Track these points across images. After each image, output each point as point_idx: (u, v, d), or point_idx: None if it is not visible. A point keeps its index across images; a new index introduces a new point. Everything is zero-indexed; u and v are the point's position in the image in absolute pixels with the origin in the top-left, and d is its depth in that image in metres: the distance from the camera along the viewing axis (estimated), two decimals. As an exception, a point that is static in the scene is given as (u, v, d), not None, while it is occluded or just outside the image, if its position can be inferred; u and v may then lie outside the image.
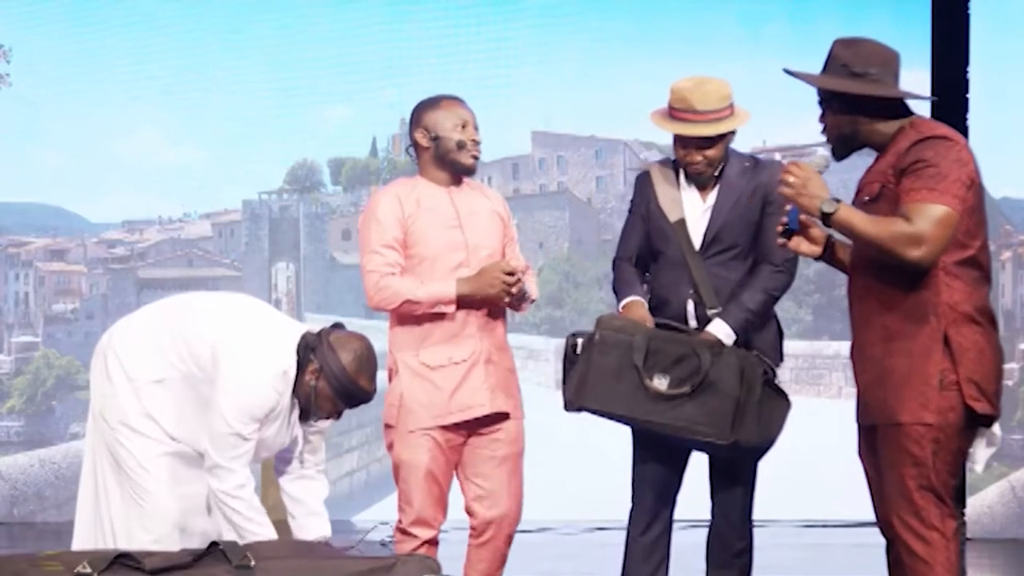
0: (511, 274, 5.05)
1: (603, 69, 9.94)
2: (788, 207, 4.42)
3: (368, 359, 4.76)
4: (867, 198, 4.41)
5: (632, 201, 5.39)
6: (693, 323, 5.19)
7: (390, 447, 5.20)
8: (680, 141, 5.17)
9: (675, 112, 5.16)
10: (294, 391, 4.76)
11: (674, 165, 5.32)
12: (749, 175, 5.24)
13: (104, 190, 10.59)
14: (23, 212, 10.85)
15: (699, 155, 5.17)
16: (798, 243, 4.52)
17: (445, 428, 5.11)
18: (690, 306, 5.20)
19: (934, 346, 4.31)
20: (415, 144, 5.25)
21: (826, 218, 4.31)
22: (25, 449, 10.24)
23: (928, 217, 4.23)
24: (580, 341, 5.12)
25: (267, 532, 4.71)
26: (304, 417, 4.83)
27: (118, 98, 10.27)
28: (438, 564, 4.69)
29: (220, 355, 4.74)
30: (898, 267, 4.29)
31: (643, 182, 5.36)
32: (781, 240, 4.47)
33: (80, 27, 10.33)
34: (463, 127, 5.17)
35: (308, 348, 4.74)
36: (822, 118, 4.48)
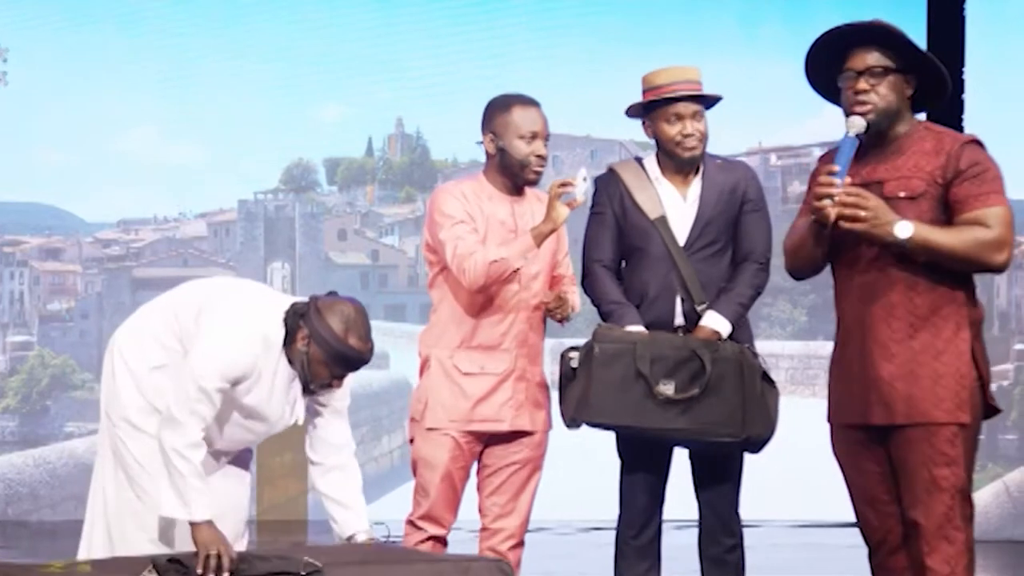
0: (564, 185, 4.97)
1: (599, 69, 9.95)
2: (827, 170, 4.39)
3: (357, 320, 4.66)
4: (903, 195, 4.41)
5: (596, 201, 5.31)
6: (680, 320, 5.19)
7: (411, 440, 5.22)
8: (675, 114, 5.17)
9: (665, 88, 5.18)
10: (290, 362, 4.72)
11: (639, 162, 5.32)
12: (726, 171, 5.28)
13: (99, 189, 10.58)
14: (18, 211, 10.84)
15: (694, 127, 5.16)
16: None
17: (464, 432, 5.13)
18: (678, 303, 5.19)
19: (964, 351, 4.39)
20: (484, 145, 5.19)
21: (900, 242, 4.32)
22: (20, 448, 10.22)
23: (1003, 220, 4.35)
24: (576, 356, 5.10)
25: (204, 501, 4.55)
26: (305, 389, 4.77)
27: (114, 97, 10.26)
28: (511, 568, 4.67)
29: (203, 317, 4.70)
30: (955, 271, 4.37)
31: (609, 181, 5.31)
32: (828, 213, 4.40)
33: (76, 27, 10.32)
34: (531, 138, 5.09)
35: (297, 315, 4.67)
36: (876, 86, 4.44)
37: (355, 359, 4.67)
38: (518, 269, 5.02)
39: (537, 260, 5.14)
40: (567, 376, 5.10)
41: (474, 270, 4.98)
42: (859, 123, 4.42)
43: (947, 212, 4.38)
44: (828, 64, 4.53)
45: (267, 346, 4.67)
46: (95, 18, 10.33)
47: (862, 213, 4.32)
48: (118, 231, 10.97)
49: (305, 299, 4.77)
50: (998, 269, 4.38)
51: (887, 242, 4.33)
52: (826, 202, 4.38)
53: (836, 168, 4.39)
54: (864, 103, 4.43)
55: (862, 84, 4.43)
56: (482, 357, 5.12)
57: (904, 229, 4.30)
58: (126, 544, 4.72)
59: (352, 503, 4.87)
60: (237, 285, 4.96)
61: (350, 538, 4.82)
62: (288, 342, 4.69)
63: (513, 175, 5.14)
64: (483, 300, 5.11)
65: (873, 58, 4.44)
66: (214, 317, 4.68)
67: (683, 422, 5.00)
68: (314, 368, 4.68)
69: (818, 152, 10.22)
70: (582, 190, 4.97)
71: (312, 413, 4.89)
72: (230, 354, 4.60)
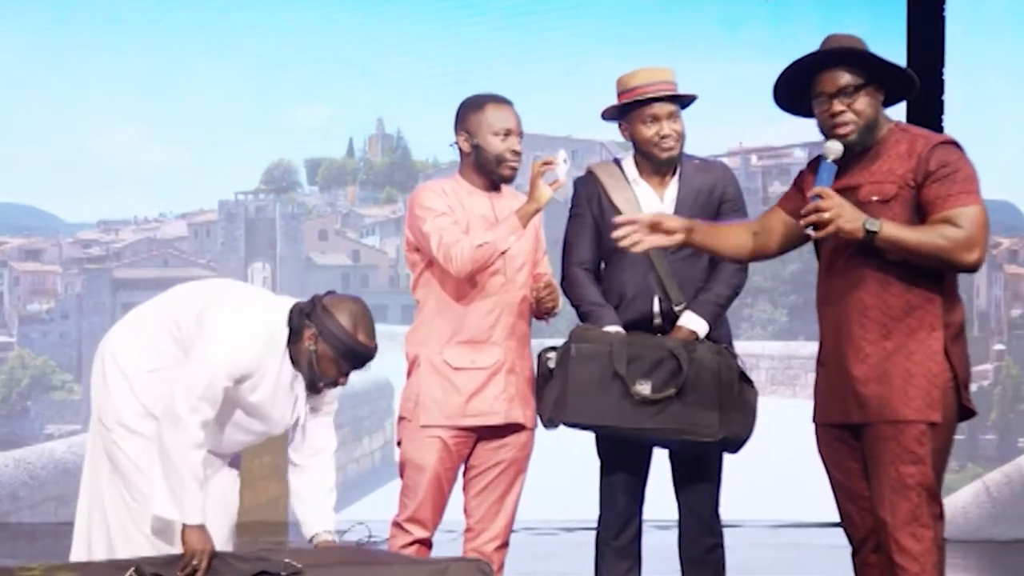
0: (546, 164, 4.95)
1: (580, 69, 9.95)
2: (809, 195, 4.42)
3: (364, 315, 4.69)
4: (876, 198, 4.43)
5: (575, 203, 5.33)
6: (658, 320, 5.19)
7: (399, 442, 5.21)
8: (651, 116, 5.17)
9: (640, 89, 5.18)
10: (295, 362, 4.71)
11: (617, 163, 5.33)
12: (704, 171, 5.29)
13: (79, 190, 10.56)
14: (-2, 212, 10.82)
15: (670, 128, 5.17)
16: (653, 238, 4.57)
17: (456, 429, 5.12)
18: (656, 303, 5.20)
19: (937, 351, 4.40)
20: (458, 144, 5.20)
21: (871, 236, 4.33)
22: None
23: (975, 221, 4.34)
24: (554, 356, 5.10)
25: (198, 505, 4.54)
26: (311, 388, 4.76)
27: (94, 98, 10.24)
28: (491, 567, 4.68)
29: (206, 316, 4.68)
30: (930, 272, 4.38)
31: (587, 182, 5.32)
32: (814, 233, 4.43)
33: (55, 26, 10.29)
34: (505, 135, 5.11)
35: (302, 314, 4.67)
36: (851, 104, 4.46)
37: (364, 355, 4.70)
38: (504, 252, 5.02)
39: (520, 253, 5.15)
40: (544, 376, 5.11)
41: (461, 256, 4.98)
42: (836, 148, 4.46)
43: (920, 214, 4.41)
44: (797, 89, 4.55)
45: (272, 343, 4.67)
46: (75, 17, 10.31)
47: (825, 215, 4.34)
48: (98, 231, 10.95)
49: (306, 299, 4.77)
50: (969, 268, 4.39)
51: (859, 238, 4.35)
52: (810, 231, 4.43)
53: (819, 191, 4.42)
54: (844, 123, 4.46)
55: (837, 106, 4.46)
56: (472, 352, 5.12)
57: (874, 223, 4.34)
58: (126, 546, 4.71)
59: (319, 502, 4.84)
60: (234, 286, 4.95)
61: (312, 539, 4.81)
62: (293, 341, 4.69)
63: (489, 172, 5.16)
64: (470, 294, 5.11)
65: (842, 78, 4.46)
66: (217, 316, 4.67)
67: (660, 422, 5.01)
68: (323, 365, 4.68)
69: (799, 152, 10.25)
70: (563, 171, 4.97)
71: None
72: (236, 350, 4.60)
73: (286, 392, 4.74)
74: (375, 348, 4.71)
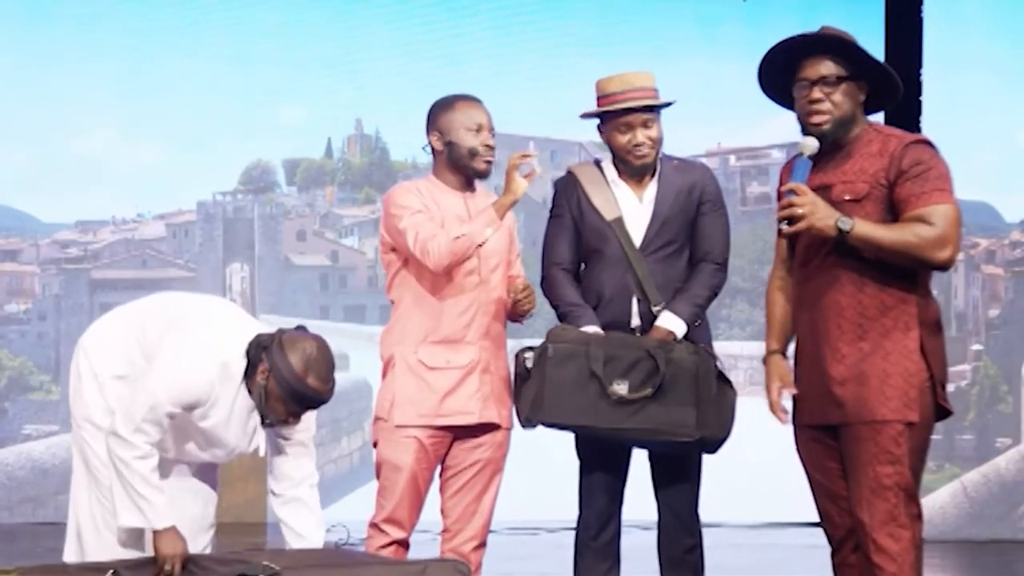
0: (524, 156, 4.98)
1: (558, 69, 9.96)
2: (783, 189, 4.43)
3: (318, 359, 4.61)
4: (848, 197, 4.44)
5: (555, 204, 5.34)
6: (636, 321, 5.20)
7: (375, 443, 5.20)
8: (625, 124, 5.17)
9: (615, 96, 5.18)
10: (250, 392, 4.70)
11: (597, 164, 5.33)
12: (683, 172, 5.29)
13: (57, 190, 10.52)
14: (-25, 212, 10.78)
15: (644, 136, 5.17)
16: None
17: (432, 429, 5.11)
18: (634, 304, 5.20)
19: (913, 350, 4.41)
20: (431, 145, 5.21)
21: (842, 234, 4.35)
22: (-23, 451, 10.17)
23: (947, 218, 4.35)
24: (531, 356, 5.10)
25: (161, 510, 4.57)
26: (262, 422, 4.74)
27: (71, 98, 10.20)
28: (469, 568, 4.68)
29: (169, 333, 4.68)
30: (904, 271, 4.39)
31: (567, 183, 5.33)
32: (787, 228, 4.44)
33: (32, 25, 10.26)
34: (477, 131, 5.13)
35: (260, 347, 4.62)
36: (830, 94, 4.47)
37: (312, 399, 4.63)
38: (481, 245, 5.02)
39: (495, 254, 5.15)
40: (522, 376, 5.12)
41: (438, 250, 4.98)
42: (812, 144, 4.48)
43: (893, 213, 4.42)
44: (781, 72, 4.56)
45: (226, 374, 4.64)
46: (52, 17, 10.28)
47: (799, 211, 4.36)
48: (76, 232, 10.91)
49: (272, 331, 4.72)
50: (941, 266, 4.41)
51: (831, 236, 4.36)
52: (783, 226, 4.43)
53: (794, 187, 4.43)
54: (820, 112, 4.47)
55: (816, 93, 4.47)
56: (446, 351, 5.12)
57: (846, 221, 4.35)
58: (97, 545, 4.71)
59: (310, 537, 4.83)
60: (210, 306, 4.92)
61: None
62: (249, 373, 4.65)
63: (463, 167, 5.16)
64: (444, 294, 5.11)
65: (826, 67, 4.48)
66: (177, 337, 4.66)
67: (637, 422, 5.02)
68: (270, 403, 4.63)
69: (777, 154, 10.25)
70: (536, 162, 4.99)
71: (274, 445, 4.85)
72: (185, 379, 4.58)
73: (242, 422, 4.72)
74: (327, 392, 4.64)
